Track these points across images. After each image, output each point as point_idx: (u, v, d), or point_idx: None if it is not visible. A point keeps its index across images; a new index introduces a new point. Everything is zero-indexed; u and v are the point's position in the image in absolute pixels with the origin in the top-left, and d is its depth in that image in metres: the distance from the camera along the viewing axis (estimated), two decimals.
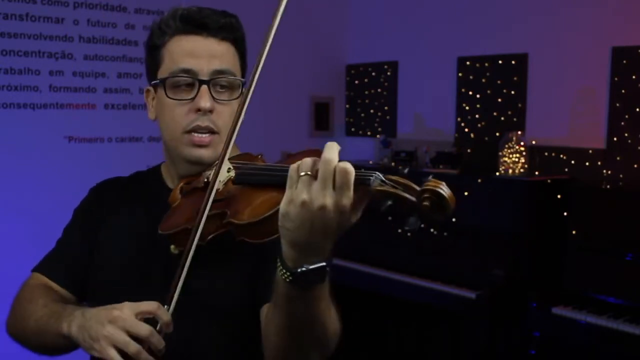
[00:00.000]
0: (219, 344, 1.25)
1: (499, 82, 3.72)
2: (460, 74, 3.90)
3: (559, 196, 3.24)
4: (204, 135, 1.26)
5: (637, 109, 3.19)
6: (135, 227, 1.34)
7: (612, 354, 2.85)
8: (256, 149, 1.38)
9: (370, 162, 4.11)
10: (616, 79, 3.25)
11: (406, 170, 0.92)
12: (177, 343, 1.22)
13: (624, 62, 3.21)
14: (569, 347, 2.99)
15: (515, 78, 3.65)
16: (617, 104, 3.24)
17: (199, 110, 1.25)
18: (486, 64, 3.77)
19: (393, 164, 3.89)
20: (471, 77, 3.84)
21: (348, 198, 0.89)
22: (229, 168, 1.18)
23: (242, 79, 1.31)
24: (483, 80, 3.79)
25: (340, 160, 0.90)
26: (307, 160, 0.92)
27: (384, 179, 0.91)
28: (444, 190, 0.86)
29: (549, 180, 3.28)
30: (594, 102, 3.36)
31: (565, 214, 3.15)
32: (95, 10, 3.42)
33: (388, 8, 4.27)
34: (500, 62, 3.71)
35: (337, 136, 4.57)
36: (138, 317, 1.08)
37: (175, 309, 1.11)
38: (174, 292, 1.11)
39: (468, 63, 3.85)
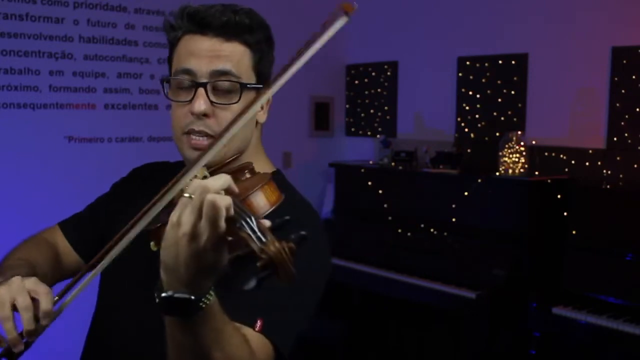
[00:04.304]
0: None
1: (499, 82, 3.72)
2: (460, 74, 3.90)
3: (559, 196, 3.25)
4: (200, 138, 1.22)
5: (637, 109, 3.19)
6: None
7: (612, 354, 2.85)
8: None
9: (371, 162, 4.11)
10: (616, 79, 3.25)
11: (288, 218, 0.87)
12: (129, 335, 1.25)
13: (624, 62, 3.21)
14: (569, 347, 2.99)
15: (515, 78, 3.65)
16: (617, 104, 3.24)
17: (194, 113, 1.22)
18: (486, 64, 3.77)
19: (393, 164, 3.89)
20: (471, 77, 3.84)
21: (211, 233, 0.84)
22: (205, 176, 1.10)
23: (242, 82, 1.22)
24: (483, 80, 3.79)
25: (222, 194, 0.86)
26: (194, 182, 0.89)
27: (255, 226, 0.84)
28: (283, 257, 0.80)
29: (549, 180, 3.29)
30: (594, 102, 3.36)
31: (565, 214, 3.15)
32: (95, 10, 3.42)
33: (388, 8, 4.27)
34: (500, 62, 3.71)
35: (337, 136, 4.58)
36: (30, 293, 1.08)
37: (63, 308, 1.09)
38: (72, 284, 1.07)
39: (468, 63, 3.85)
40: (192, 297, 0.89)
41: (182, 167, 1.35)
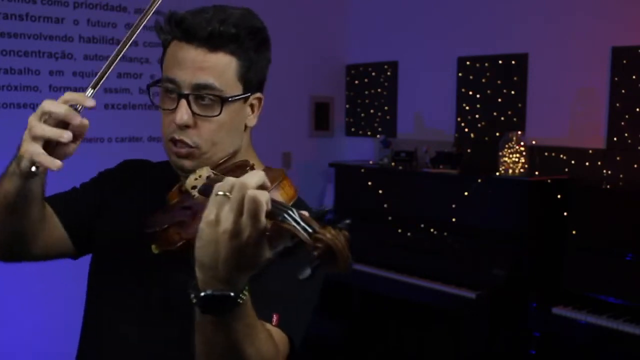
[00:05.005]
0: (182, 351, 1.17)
1: (499, 82, 3.72)
2: (460, 74, 3.90)
3: (559, 196, 3.25)
4: (181, 147, 1.23)
5: (637, 109, 3.19)
6: (134, 215, 1.30)
7: (612, 354, 2.85)
8: (256, 149, 1.38)
9: (371, 162, 4.12)
10: (616, 79, 3.25)
11: (329, 208, 0.89)
12: (130, 339, 1.24)
13: (624, 62, 3.21)
14: (569, 347, 2.99)
15: (515, 78, 3.65)
16: (617, 104, 3.24)
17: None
18: (486, 64, 3.77)
19: (393, 164, 3.89)
20: (471, 77, 3.84)
21: (253, 228, 0.87)
22: (209, 175, 1.11)
23: (223, 96, 1.21)
24: (483, 80, 3.79)
25: (259, 190, 0.88)
26: (228, 180, 0.90)
27: (298, 218, 0.86)
28: (337, 243, 0.81)
29: (549, 180, 3.29)
30: (594, 102, 3.36)
31: (565, 214, 3.15)
32: (95, 10, 3.42)
33: (388, 8, 4.27)
34: (500, 62, 3.71)
35: (337, 136, 4.58)
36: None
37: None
38: (100, 78, 1.22)
39: (468, 63, 3.85)
40: (232, 294, 0.91)
41: (166, 167, 1.36)
